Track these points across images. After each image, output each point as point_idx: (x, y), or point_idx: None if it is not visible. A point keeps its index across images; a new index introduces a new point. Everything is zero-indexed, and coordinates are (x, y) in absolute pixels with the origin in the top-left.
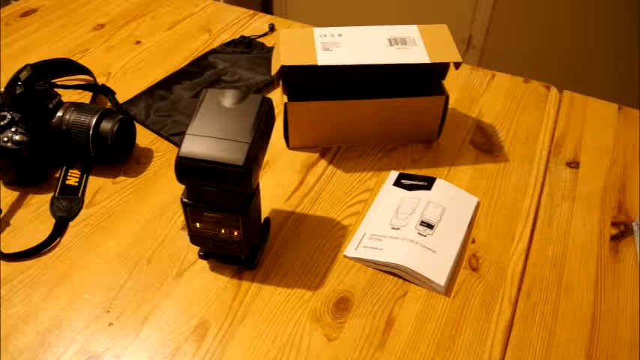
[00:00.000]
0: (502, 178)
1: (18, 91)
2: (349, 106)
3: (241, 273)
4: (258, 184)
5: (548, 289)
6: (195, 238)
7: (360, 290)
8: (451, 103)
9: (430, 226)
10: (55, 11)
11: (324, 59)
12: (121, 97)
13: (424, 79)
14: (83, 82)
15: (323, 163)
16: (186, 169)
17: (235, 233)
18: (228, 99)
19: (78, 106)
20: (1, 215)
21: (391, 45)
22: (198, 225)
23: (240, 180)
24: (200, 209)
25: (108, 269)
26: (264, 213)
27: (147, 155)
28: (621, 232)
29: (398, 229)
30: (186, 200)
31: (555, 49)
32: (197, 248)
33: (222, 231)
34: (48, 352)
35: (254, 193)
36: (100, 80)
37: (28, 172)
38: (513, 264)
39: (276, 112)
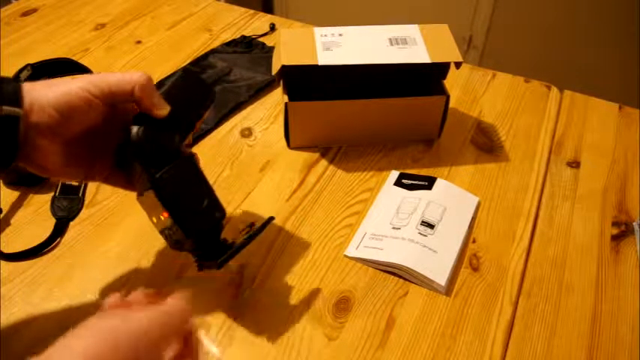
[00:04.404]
0: (503, 178)
1: None
2: (350, 105)
3: (242, 273)
4: (190, 154)
5: (548, 289)
6: (162, 235)
7: (360, 290)
8: (452, 103)
9: (431, 226)
10: (55, 11)
11: (324, 59)
12: None
13: (425, 79)
14: None
15: (324, 162)
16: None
17: (165, 215)
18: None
19: None
20: (2, 215)
21: (392, 45)
22: (154, 219)
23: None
24: (141, 195)
25: (109, 269)
26: (265, 213)
27: None
28: (622, 232)
29: (398, 228)
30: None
31: (556, 49)
32: None
33: (161, 217)
34: None
35: (172, 158)
36: None
37: (28, 171)
38: (514, 264)
39: (276, 111)
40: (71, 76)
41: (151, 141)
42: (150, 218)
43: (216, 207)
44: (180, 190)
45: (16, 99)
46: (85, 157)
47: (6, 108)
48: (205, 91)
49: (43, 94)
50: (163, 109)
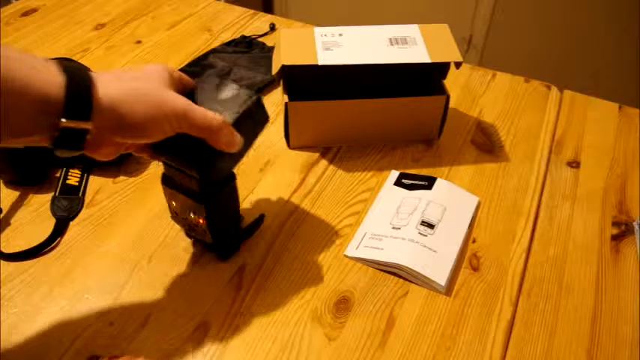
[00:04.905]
0: (503, 178)
1: None
2: (350, 105)
3: (242, 273)
4: (233, 176)
5: (548, 289)
6: (173, 215)
7: (360, 290)
8: (452, 103)
9: (431, 226)
10: (55, 11)
11: (324, 59)
12: None
13: (425, 79)
14: None
15: (324, 162)
16: (159, 150)
17: (200, 221)
18: (223, 90)
19: None
20: (2, 215)
21: (392, 44)
22: (174, 203)
23: (199, 170)
24: (173, 189)
25: (108, 269)
26: (264, 212)
27: None
28: (622, 232)
29: (399, 228)
30: (164, 175)
31: (556, 49)
32: (198, 248)
33: (191, 215)
34: (48, 352)
35: (222, 183)
36: None
37: (28, 171)
38: (514, 263)
39: (276, 111)
40: (156, 89)
41: (214, 170)
42: (168, 202)
43: (239, 217)
44: (223, 208)
45: (88, 109)
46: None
47: (75, 123)
48: (264, 117)
49: (117, 100)
50: (235, 147)
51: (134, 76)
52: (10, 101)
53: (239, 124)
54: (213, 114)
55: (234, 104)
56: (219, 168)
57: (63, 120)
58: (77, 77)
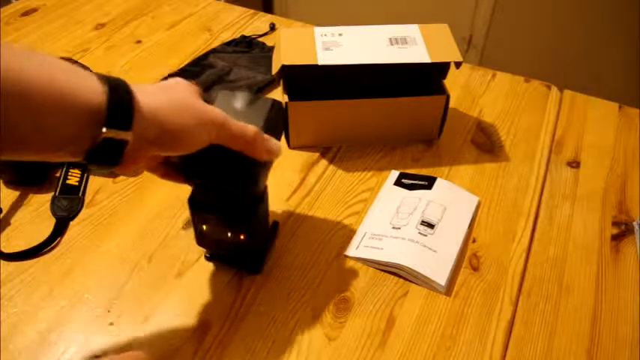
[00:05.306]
0: (503, 178)
1: None
2: (350, 105)
3: (242, 273)
4: (266, 187)
5: (548, 289)
6: (200, 239)
7: (360, 290)
8: (452, 103)
9: (431, 226)
10: (55, 10)
11: (324, 59)
12: None
13: (425, 79)
14: None
15: (323, 162)
16: (194, 173)
17: (241, 237)
18: (239, 101)
19: None
20: (2, 215)
21: (392, 44)
22: (204, 227)
23: (245, 187)
24: (206, 212)
25: (108, 269)
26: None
27: None
28: (622, 232)
29: (398, 228)
30: (192, 200)
31: (556, 49)
32: (198, 248)
33: (228, 234)
34: (48, 352)
35: (261, 197)
36: None
37: (28, 171)
38: (514, 263)
39: None
40: (194, 100)
41: (258, 183)
42: (197, 226)
43: (268, 225)
44: (260, 220)
45: (129, 118)
46: (157, 160)
47: (115, 132)
48: (283, 122)
49: (157, 109)
50: (276, 152)
51: (171, 87)
52: (50, 109)
53: (268, 131)
54: (249, 127)
55: (258, 112)
56: (261, 179)
57: (104, 129)
58: (118, 86)
